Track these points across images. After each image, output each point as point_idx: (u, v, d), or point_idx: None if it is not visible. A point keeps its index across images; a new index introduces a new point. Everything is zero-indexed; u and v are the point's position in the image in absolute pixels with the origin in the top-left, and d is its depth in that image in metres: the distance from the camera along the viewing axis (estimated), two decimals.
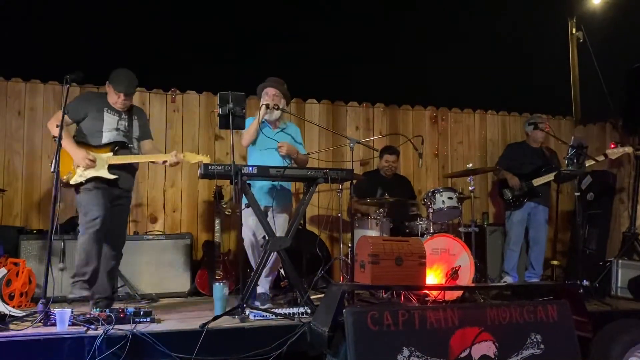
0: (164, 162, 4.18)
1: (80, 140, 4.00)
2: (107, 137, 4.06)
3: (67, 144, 3.89)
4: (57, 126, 3.76)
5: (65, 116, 3.90)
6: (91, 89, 5.54)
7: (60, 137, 3.72)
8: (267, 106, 4.28)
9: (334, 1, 7.10)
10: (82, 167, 3.89)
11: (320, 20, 6.98)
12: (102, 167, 3.97)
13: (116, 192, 4.09)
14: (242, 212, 3.95)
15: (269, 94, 4.38)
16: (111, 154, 4.02)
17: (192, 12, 6.62)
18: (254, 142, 4.40)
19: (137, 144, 4.24)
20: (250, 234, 4.28)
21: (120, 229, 4.24)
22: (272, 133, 4.43)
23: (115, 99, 4.10)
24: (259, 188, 4.30)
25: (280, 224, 4.30)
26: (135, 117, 4.26)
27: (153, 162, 4.48)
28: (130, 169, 4.20)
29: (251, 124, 4.29)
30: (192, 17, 6.59)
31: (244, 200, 3.91)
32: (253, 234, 4.29)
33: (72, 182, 3.89)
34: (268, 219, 4.09)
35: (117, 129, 4.11)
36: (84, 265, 3.88)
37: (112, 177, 3.99)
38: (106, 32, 6.05)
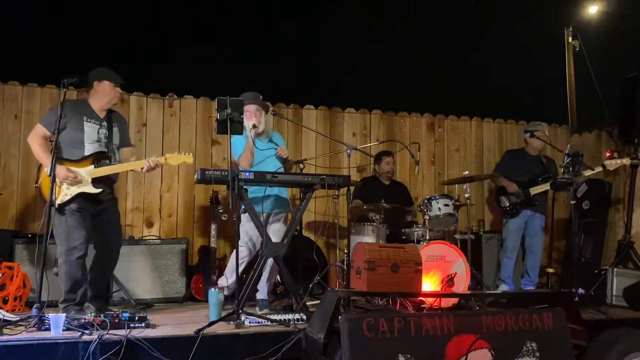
0: (142, 169, 4.00)
1: (60, 156, 3.77)
2: (88, 149, 3.89)
3: (47, 162, 3.68)
4: (45, 142, 3.76)
5: (45, 130, 3.82)
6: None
7: (56, 141, 3.71)
8: (254, 126, 4.33)
9: (332, 8, 7.13)
10: (66, 184, 3.73)
11: (318, 26, 7.00)
12: (86, 182, 3.81)
13: (98, 207, 3.95)
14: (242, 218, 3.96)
15: (251, 111, 4.39)
16: (92, 166, 3.85)
17: (189, 17, 6.64)
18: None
19: (117, 152, 4.08)
20: (247, 240, 4.32)
21: (114, 237, 4.10)
22: (264, 145, 4.49)
23: (113, 94, 4.02)
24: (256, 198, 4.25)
25: (275, 230, 4.33)
26: (115, 125, 4.10)
27: (133, 171, 4.30)
28: (108, 181, 3.99)
29: (247, 147, 4.29)
30: (190, 22, 6.61)
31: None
32: (250, 240, 4.32)
33: (58, 202, 3.72)
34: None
35: (99, 140, 3.96)
36: (73, 291, 3.81)
37: (97, 190, 3.83)
38: (103, 36, 6.06)
